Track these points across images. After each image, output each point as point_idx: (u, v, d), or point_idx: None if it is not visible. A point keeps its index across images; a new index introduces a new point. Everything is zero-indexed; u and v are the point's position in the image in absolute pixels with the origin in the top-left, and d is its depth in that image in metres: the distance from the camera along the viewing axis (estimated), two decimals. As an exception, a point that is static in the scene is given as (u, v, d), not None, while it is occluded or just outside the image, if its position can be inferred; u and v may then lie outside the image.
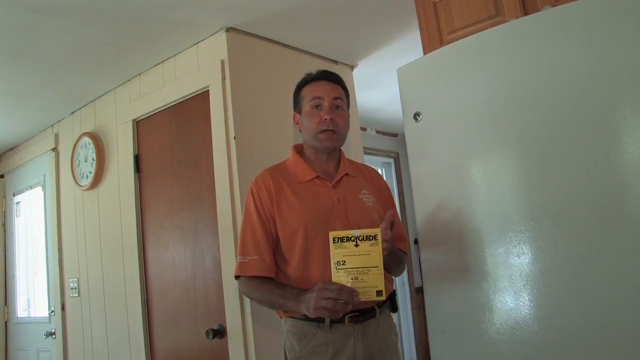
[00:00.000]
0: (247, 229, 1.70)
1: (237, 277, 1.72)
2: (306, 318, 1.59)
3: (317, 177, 1.73)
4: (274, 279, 1.67)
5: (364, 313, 1.62)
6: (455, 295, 1.69)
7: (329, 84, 1.74)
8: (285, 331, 1.68)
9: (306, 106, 1.74)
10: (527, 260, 1.53)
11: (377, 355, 1.63)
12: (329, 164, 1.78)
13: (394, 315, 1.80)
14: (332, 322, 1.59)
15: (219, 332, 2.41)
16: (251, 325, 2.29)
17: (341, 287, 1.45)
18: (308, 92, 1.75)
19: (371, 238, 1.47)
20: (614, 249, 1.38)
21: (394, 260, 1.70)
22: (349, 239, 1.48)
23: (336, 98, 1.72)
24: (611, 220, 1.39)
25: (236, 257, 1.74)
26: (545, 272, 1.49)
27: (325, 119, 1.69)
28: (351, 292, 1.45)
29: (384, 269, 1.49)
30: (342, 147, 1.82)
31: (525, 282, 1.53)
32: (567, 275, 1.45)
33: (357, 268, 1.47)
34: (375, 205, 1.76)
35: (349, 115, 1.82)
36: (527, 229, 1.53)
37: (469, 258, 1.65)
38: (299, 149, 1.83)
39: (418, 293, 4.79)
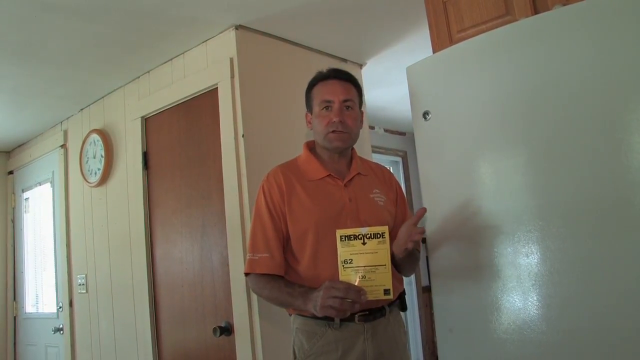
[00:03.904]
0: (257, 226, 1.70)
1: (246, 274, 1.72)
2: (315, 316, 1.58)
3: (329, 175, 1.73)
4: (283, 276, 1.67)
5: (374, 312, 1.62)
6: (463, 294, 1.68)
7: (339, 84, 1.73)
8: (295, 329, 1.67)
9: (316, 108, 1.74)
10: (535, 260, 1.52)
11: (387, 354, 1.63)
12: (341, 163, 1.77)
13: (402, 314, 1.80)
14: (342, 320, 1.59)
15: (226, 330, 2.42)
16: (258, 322, 2.30)
17: (348, 286, 1.45)
18: (318, 93, 1.74)
19: (379, 236, 1.46)
20: (623, 249, 1.37)
21: (409, 259, 1.69)
22: (356, 237, 1.47)
23: (346, 100, 1.70)
24: (621, 221, 1.38)
25: (246, 254, 1.74)
26: (554, 272, 1.48)
27: (334, 121, 1.68)
28: (358, 291, 1.44)
29: (396, 268, 1.48)
30: (353, 146, 1.82)
31: (533, 281, 1.52)
32: (575, 275, 1.44)
33: (364, 266, 1.46)
34: (387, 205, 1.76)
35: (362, 113, 1.81)
36: (536, 229, 1.52)
37: (478, 257, 1.65)
38: (311, 146, 1.82)
39: (425, 292, 4.79)
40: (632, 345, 1.34)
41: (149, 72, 2.99)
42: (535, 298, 1.52)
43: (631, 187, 1.36)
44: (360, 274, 1.46)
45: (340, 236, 1.48)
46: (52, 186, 3.87)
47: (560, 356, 1.45)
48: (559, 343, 1.46)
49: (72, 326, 3.53)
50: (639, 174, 1.35)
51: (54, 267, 3.79)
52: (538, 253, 1.52)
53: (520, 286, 1.54)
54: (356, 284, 1.46)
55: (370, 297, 1.45)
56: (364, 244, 1.47)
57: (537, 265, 1.52)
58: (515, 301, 1.55)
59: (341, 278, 1.47)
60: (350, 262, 1.47)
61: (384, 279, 1.46)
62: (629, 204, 1.37)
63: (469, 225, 1.67)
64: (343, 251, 1.47)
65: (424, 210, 1.58)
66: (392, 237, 1.56)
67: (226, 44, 2.54)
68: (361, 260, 1.46)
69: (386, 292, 1.46)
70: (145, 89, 3.00)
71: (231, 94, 2.47)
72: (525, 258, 1.54)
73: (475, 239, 1.65)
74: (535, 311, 1.51)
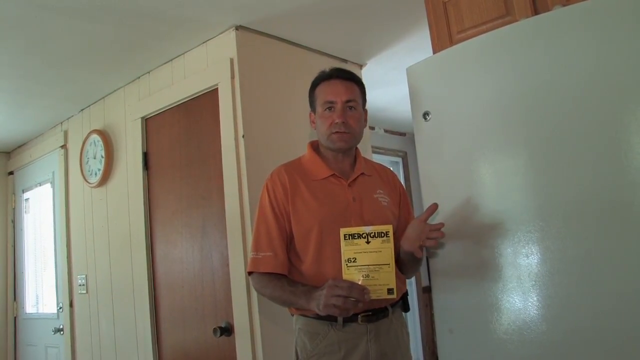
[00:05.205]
0: (261, 225, 1.70)
1: (249, 273, 1.72)
2: (318, 317, 1.58)
3: (333, 175, 1.73)
4: (286, 275, 1.67)
5: (376, 312, 1.62)
6: (463, 294, 1.69)
7: (341, 84, 1.72)
8: (297, 330, 1.67)
9: (319, 108, 1.74)
10: (535, 260, 1.52)
11: (389, 355, 1.63)
12: (345, 163, 1.77)
13: (404, 315, 1.80)
14: (345, 321, 1.59)
15: (226, 330, 2.42)
16: (259, 323, 2.29)
17: (351, 285, 1.45)
18: (321, 93, 1.74)
19: (383, 235, 1.46)
20: (623, 249, 1.37)
21: (414, 260, 1.68)
22: (360, 235, 1.47)
23: (348, 100, 1.70)
24: (621, 221, 1.38)
25: (247, 254, 1.73)
26: (554, 273, 1.48)
27: (337, 122, 1.68)
28: (362, 289, 1.44)
29: (399, 268, 1.48)
30: (357, 146, 1.81)
31: (533, 282, 1.52)
32: (576, 275, 1.44)
33: (368, 265, 1.46)
34: (390, 205, 1.76)
35: (365, 112, 1.81)
36: (536, 229, 1.52)
37: (478, 258, 1.65)
38: (315, 145, 1.82)
39: (425, 292, 4.79)
40: (633, 345, 1.34)
41: (149, 72, 2.99)
42: (535, 298, 1.52)
43: (631, 188, 1.36)
44: (363, 273, 1.46)
45: (344, 235, 1.48)
46: (53, 187, 3.87)
47: (561, 356, 1.46)
48: (559, 343, 1.46)
49: (72, 326, 3.52)
50: (639, 174, 1.35)
51: (54, 268, 3.79)
52: (538, 253, 1.52)
53: (520, 286, 1.54)
54: (359, 282, 1.46)
55: (374, 296, 1.45)
56: (367, 242, 1.47)
57: (537, 266, 1.52)
58: (516, 301, 1.55)
59: (344, 277, 1.47)
60: (353, 261, 1.47)
61: (388, 278, 1.46)
62: (629, 204, 1.37)
63: (469, 225, 1.67)
64: (347, 250, 1.47)
65: (436, 206, 1.57)
66: (396, 239, 1.56)
67: (226, 44, 2.54)
68: (365, 259, 1.46)
69: (390, 291, 1.46)
70: (146, 90, 3.00)
71: (231, 94, 2.47)
72: (526, 258, 1.54)
73: (475, 239, 1.66)
74: (535, 311, 1.51)
